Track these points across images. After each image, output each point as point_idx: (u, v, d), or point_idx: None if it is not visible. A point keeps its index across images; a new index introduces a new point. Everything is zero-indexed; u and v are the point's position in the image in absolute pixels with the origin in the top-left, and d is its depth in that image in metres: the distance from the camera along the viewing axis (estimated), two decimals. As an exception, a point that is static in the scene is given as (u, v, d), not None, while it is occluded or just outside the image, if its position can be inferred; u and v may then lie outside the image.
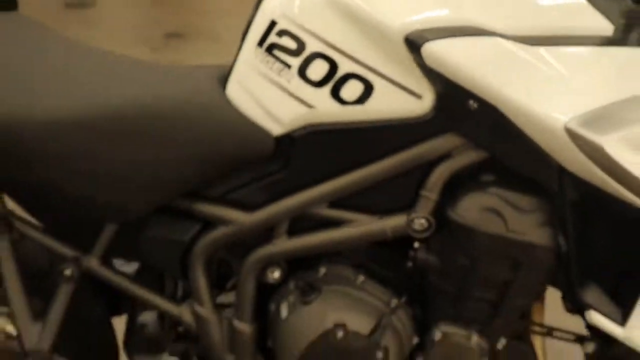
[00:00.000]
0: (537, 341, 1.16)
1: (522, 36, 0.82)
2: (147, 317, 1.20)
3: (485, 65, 0.81)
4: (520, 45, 0.81)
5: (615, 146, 0.79)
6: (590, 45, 0.81)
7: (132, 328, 1.20)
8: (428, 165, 0.94)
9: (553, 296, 1.11)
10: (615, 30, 0.82)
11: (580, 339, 1.10)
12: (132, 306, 1.22)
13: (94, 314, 1.26)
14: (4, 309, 1.08)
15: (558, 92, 0.80)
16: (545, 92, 0.80)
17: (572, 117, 0.79)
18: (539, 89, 0.80)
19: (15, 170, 0.97)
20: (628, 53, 0.81)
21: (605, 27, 0.82)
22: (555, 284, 1.03)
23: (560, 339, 1.10)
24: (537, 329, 1.10)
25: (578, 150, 0.81)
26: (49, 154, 0.96)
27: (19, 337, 1.06)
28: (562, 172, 0.86)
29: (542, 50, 0.81)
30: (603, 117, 0.79)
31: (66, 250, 1.08)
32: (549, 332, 1.09)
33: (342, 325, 1.02)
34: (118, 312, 1.30)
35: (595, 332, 1.08)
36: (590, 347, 1.10)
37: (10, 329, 1.09)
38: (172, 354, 1.15)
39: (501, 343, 1.09)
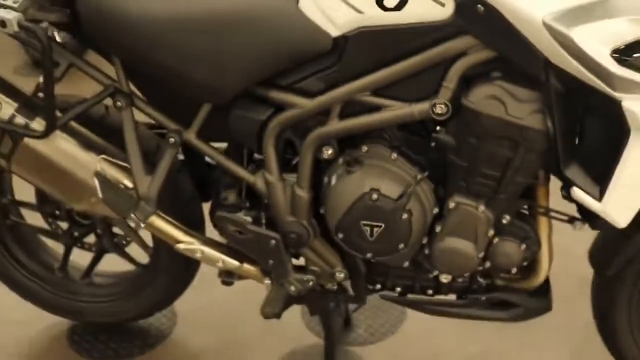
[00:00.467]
0: (542, 225, 1.40)
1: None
2: (229, 193, 1.53)
3: (488, -23, 1.08)
4: (514, -38, 1.08)
5: (583, 37, 1.04)
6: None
7: (216, 202, 1.53)
8: (449, 61, 1.21)
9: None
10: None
11: (572, 220, 1.34)
12: (216, 189, 1.55)
13: (188, 192, 1.60)
14: (126, 165, 1.43)
15: (540, -5, 1.06)
16: (532, -5, 1.06)
17: (548, 12, 1.04)
18: (528, -8, 1.06)
19: (138, 54, 1.32)
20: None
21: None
22: (549, 169, 1.28)
23: (556, 219, 1.35)
24: (538, 209, 1.35)
25: (555, 43, 1.06)
26: (165, 43, 1.29)
27: (135, 187, 1.41)
28: (547, 64, 1.12)
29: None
30: (574, 14, 1.04)
31: (170, 123, 1.41)
32: (547, 212, 1.35)
33: (377, 190, 1.31)
34: (205, 199, 1.63)
35: (584, 213, 1.33)
36: (579, 226, 1.35)
37: (127, 182, 1.44)
38: (246, 215, 1.47)
39: (505, 219, 1.35)
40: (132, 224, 1.42)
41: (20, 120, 1.38)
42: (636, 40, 1.05)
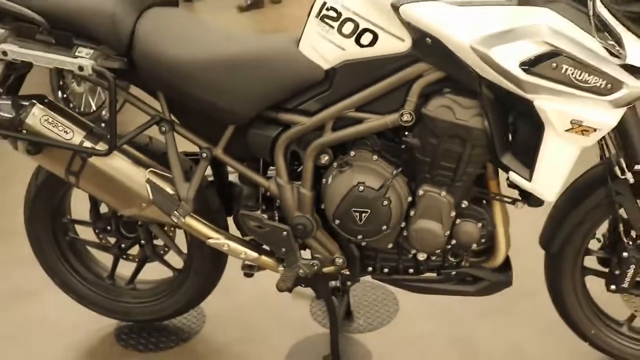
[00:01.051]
0: (496, 209, 1.78)
1: (453, 1, 1.51)
2: (249, 200, 1.92)
3: (433, 17, 1.51)
4: (451, 6, 1.50)
5: (499, 55, 1.46)
6: (490, 6, 1.50)
7: (239, 207, 1.92)
8: (410, 82, 1.63)
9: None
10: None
11: (514, 201, 1.73)
12: (238, 200, 1.95)
13: (215, 204, 1.99)
14: (170, 175, 1.83)
15: (469, 26, 1.48)
16: (462, 28, 1.48)
17: (473, 39, 1.47)
18: (459, 26, 1.48)
19: (179, 89, 1.74)
20: (511, 9, 1.49)
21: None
22: (492, 160, 1.67)
23: (503, 201, 1.74)
24: (489, 195, 1.74)
25: (481, 61, 1.48)
26: (200, 80, 1.72)
27: (176, 191, 1.81)
28: (479, 78, 1.53)
29: (464, 8, 1.50)
30: (492, 39, 1.46)
31: (202, 142, 1.83)
32: (495, 196, 1.73)
33: (363, 183, 1.70)
34: (229, 213, 2.03)
35: (523, 195, 1.72)
36: (520, 205, 1.73)
37: (170, 188, 1.84)
38: (263, 213, 1.86)
39: (464, 203, 1.74)
40: (175, 220, 1.82)
41: (87, 144, 1.79)
42: (536, 56, 1.46)
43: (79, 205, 2.18)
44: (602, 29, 1.47)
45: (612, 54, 1.47)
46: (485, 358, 2.12)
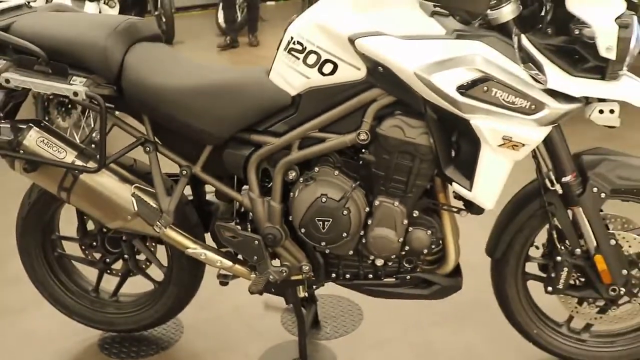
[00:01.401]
0: (445, 218, 2.00)
1: (400, 36, 1.76)
2: (224, 214, 2.13)
3: (383, 48, 1.76)
4: (399, 39, 1.76)
5: (439, 80, 1.71)
6: (432, 39, 1.75)
7: (215, 221, 2.12)
8: (366, 105, 1.86)
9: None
10: (445, 33, 1.76)
11: (459, 210, 1.96)
12: (214, 216, 2.15)
13: (193, 219, 2.19)
14: (153, 190, 2.04)
15: (413, 56, 1.73)
16: (408, 57, 1.73)
17: (417, 67, 1.72)
18: (405, 56, 1.73)
19: (163, 113, 1.96)
20: (449, 42, 1.74)
21: (441, 31, 1.76)
22: (438, 174, 1.90)
23: (449, 210, 1.97)
24: (437, 205, 1.97)
25: (424, 86, 1.73)
26: (181, 105, 1.94)
27: (159, 204, 2.01)
28: (424, 101, 1.78)
29: (409, 42, 1.75)
30: (432, 67, 1.71)
31: (182, 161, 2.04)
32: (442, 206, 1.96)
33: (325, 195, 1.92)
34: (207, 230, 2.23)
35: (467, 205, 1.95)
36: (464, 214, 1.96)
37: (153, 202, 2.04)
38: (237, 225, 2.07)
39: (415, 213, 1.96)
40: (157, 230, 2.02)
41: (79, 162, 1.99)
42: (470, 81, 1.71)
43: (66, 223, 2.37)
44: (526, 59, 1.73)
45: (535, 80, 1.73)
46: (438, 356, 2.31)
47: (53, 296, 2.39)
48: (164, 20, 6.87)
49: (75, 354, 2.39)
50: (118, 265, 2.37)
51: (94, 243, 2.31)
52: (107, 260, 2.33)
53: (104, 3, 4.21)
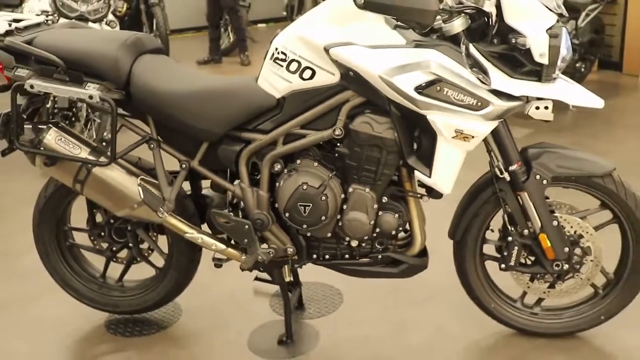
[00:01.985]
0: (411, 204, 2.30)
1: (368, 45, 2.08)
2: (219, 204, 2.43)
3: (353, 56, 2.07)
4: (367, 48, 2.07)
5: (399, 82, 2.02)
6: (394, 48, 2.07)
7: (210, 209, 2.41)
8: (340, 105, 2.17)
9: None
10: (405, 43, 2.08)
11: (421, 196, 2.27)
12: (210, 207, 2.45)
13: (191, 210, 2.49)
14: (156, 182, 2.33)
15: (378, 63, 2.04)
16: (374, 63, 2.05)
17: (381, 71, 2.03)
18: (371, 62, 2.05)
19: (166, 114, 2.26)
20: (408, 50, 2.06)
21: (402, 41, 2.08)
22: (403, 164, 2.21)
23: (413, 196, 2.27)
24: (404, 192, 2.27)
25: (387, 87, 2.04)
26: (179, 106, 2.24)
27: (161, 193, 2.31)
28: (388, 100, 2.09)
29: (375, 50, 2.07)
30: (394, 70, 2.02)
31: (182, 156, 2.34)
32: (407, 193, 2.27)
33: (306, 183, 2.22)
34: (203, 220, 2.52)
35: (428, 191, 2.25)
36: (426, 199, 2.27)
37: (156, 191, 2.33)
38: (230, 212, 2.36)
39: (384, 199, 2.26)
40: (160, 215, 2.31)
41: (92, 157, 2.29)
42: (426, 82, 2.03)
43: (76, 215, 2.67)
44: (474, 64, 2.05)
45: (481, 81, 2.05)
46: (415, 335, 2.59)
47: (64, 281, 2.67)
48: (159, 41, 7.20)
49: (84, 334, 2.67)
50: (123, 254, 2.65)
51: (102, 233, 2.60)
52: (114, 248, 2.62)
53: (106, 24, 4.53)
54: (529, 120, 2.19)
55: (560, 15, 2.07)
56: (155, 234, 2.59)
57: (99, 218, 2.60)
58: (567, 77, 2.20)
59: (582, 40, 5.45)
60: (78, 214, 2.67)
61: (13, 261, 3.20)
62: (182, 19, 8.99)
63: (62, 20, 2.83)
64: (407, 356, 2.47)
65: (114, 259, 2.66)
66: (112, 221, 2.57)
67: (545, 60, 2.01)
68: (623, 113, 5.37)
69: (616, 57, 6.51)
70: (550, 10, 2.06)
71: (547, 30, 2.01)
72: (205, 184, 2.51)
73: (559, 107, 5.30)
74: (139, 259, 2.63)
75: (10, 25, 2.30)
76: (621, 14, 6.37)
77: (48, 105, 2.42)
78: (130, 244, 2.60)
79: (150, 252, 2.63)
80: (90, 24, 4.32)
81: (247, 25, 8.05)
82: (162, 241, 2.59)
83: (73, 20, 3.34)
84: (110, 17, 4.64)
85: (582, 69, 5.74)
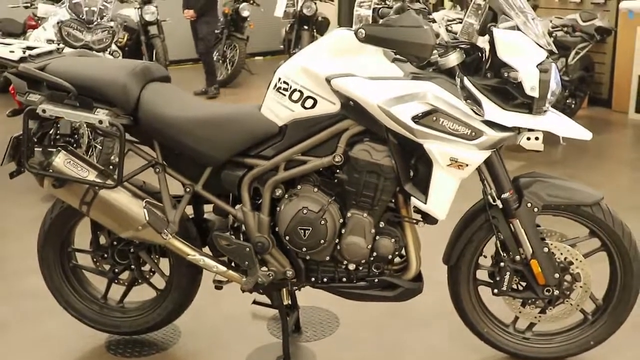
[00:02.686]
0: (407, 229, 2.39)
1: (367, 77, 2.19)
2: (221, 228, 2.50)
3: (353, 87, 2.17)
4: (366, 80, 2.18)
5: (397, 111, 2.12)
6: (392, 80, 2.17)
7: (212, 234, 2.49)
8: (340, 133, 2.27)
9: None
10: (403, 75, 2.19)
11: (417, 221, 2.35)
12: (211, 231, 2.52)
13: (193, 233, 2.56)
14: (160, 205, 2.41)
15: (377, 93, 2.15)
16: (373, 93, 2.15)
17: (380, 101, 2.13)
18: (371, 92, 2.15)
19: (173, 139, 2.35)
20: (406, 82, 2.17)
21: (400, 73, 2.19)
22: (400, 190, 2.30)
23: (408, 221, 2.35)
24: (400, 218, 2.35)
25: (386, 116, 2.14)
26: (185, 131, 2.33)
27: (166, 215, 2.38)
28: (386, 129, 2.19)
29: (374, 82, 2.17)
30: (392, 101, 2.12)
31: (186, 180, 2.42)
32: (403, 218, 2.35)
33: (306, 207, 2.30)
34: (204, 244, 2.59)
35: (424, 217, 2.34)
36: (421, 224, 2.35)
37: (161, 214, 2.41)
38: (231, 235, 2.43)
39: (382, 224, 2.35)
40: (165, 237, 2.38)
41: (99, 180, 2.37)
42: (423, 112, 2.13)
43: (79, 237, 2.74)
44: (468, 96, 2.16)
45: (475, 112, 2.15)
46: (406, 355, 2.65)
47: (67, 302, 2.72)
48: (166, 70, 7.33)
49: (85, 354, 2.71)
50: (125, 275, 2.72)
51: (105, 255, 2.66)
52: (116, 270, 2.68)
53: (109, 54, 4.65)
54: (521, 153, 2.28)
55: (550, 52, 2.18)
56: (157, 256, 2.66)
57: (102, 240, 2.67)
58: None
59: (572, 77, 5.61)
60: (81, 237, 2.74)
61: (16, 282, 3.26)
62: (181, 51, 9.15)
63: (71, 50, 2.95)
64: (401, 379, 2.53)
65: (116, 281, 2.72)
66: (115, 243, 2.64)
67: (535, 94, 2.12)
68: (612, 148, 5.50)
69: (605, 94, 6.68)
70: (541, 46, 2.18)
71: (537, 66, 2.12)
72: (207, 208, 2.59)
73: (550, 141, 5.48)
74: (140, 280, 2.70)
75: (24, 52, 2.40)
76: (610, 52, 6.56)
77: (51, 132, 2.52)
78: (132, 266, 2.66)
79: (151, 274, 2.70)
80: (94, 53, 4.43)
81: (245, 57, 8.22)
82: (164, 264, 2.65)
83: (84, 49, 3.44)
84: (114, 47, 4.76)
85: (572, 105, 5.90)
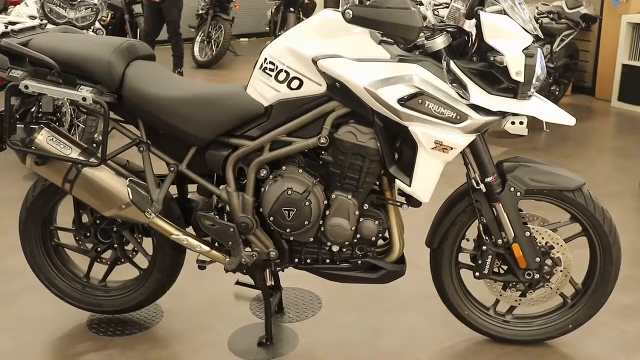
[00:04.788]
0: (391, 212, 2.40)
1: (354, 58, 2.18)
2: (205, 208, 2.50)
3: (340, 68, 2.17)
4: (353, 61, 2.17)
5: (383, 94, 2.13)
6: (379, 61, 2.17)
7: (196, 213, 2.48)
8: (326, 115, 2.27)
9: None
10: (390, 57, 2.19)
11: (401, 204, 2.36)
12: (195, 211, 2.51)
13: (177, 213, 2.55)
14: (144, 184, 2.40)
15: (364, 75, 2.14)
16: (360, 75, 2.14)
17: (366, 83, 2.13)
18: (357, 74, 2.14)
19: (156, 118, 2.34)
20: (393, 64, 2.17)
21: (387, 56, 2.19)
22: (385, 173, 2.30)
23: (393, 204, 2.36)
24: (384, 200, 2.36)
25: (372, 98, 2.14)
26: (169, 110, 2.32)
27: (149, 194, 2.37)
28: (373, 111, 2.19)
29: (361, 63, 2.17)
30: (378, 83, 2.12)
31: (170, 160, 2.41)
32: (387, 200, 2.36)
33: (291, 188, 2.30)
34: (188, 223, 2.59)
35: (408, 199, 2.35)
36: (405, 207, 2.36)
37: (144, 192, 2.39)
38: (215, 215, 2.43)
39: (365, 206, 2.35)
40: (148, 216, 2.37)
41: (83, 158, 2.35)
42: (408, 94, 2.13)
43: (62, 216, 2.72)
44: (454, 80, 2.16)
45: (461, 96, 2.16)
46: (390, 340, 2.67)
47: (49, 280, 2.71)
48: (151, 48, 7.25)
49: (67, 333, 2.70)
50: (107, 254, 2.71)
51: (88, 234, 2.65)
52: (99, 249, 2.67)
53: (93, 31, 4.59)
54: (505, 138, 2.29)
55: (536, 37, 2.19)
56: (140, 235, 2.65)
57: (85, 219, 2.66)
58: (542, 99, 2.32)
59: (556, 64, 5.64)
60: (64, 215, 2.72)
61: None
62: (164, 30, 9.06)
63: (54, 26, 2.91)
64: (382, 359, 2.55)
65: (98, 260, 2.71)
66: (98, 222, 2.62)
67: (521, 78, 2.13)
68: (595, 136, 5.55)
69: (589, 82, 6.73)
70: (527, 31, 2.18)
71: (523, 50, 2.13)
72: (191, 188, 2.58)
73: (534, 127, 5.50)
74: (123, 260, 2.69)
75: (6, 27, 2.37)
76: (595, 40, 6.60)
77: (33, 109, 2.49)
78: (115, 245, 2.65)
79: (134, 253, 2.69)
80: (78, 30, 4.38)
81: (230, 38, 8.16)
82: (147, 243, 2.65)
83: (69, 25, 3.40)
84: (97, 25, 4.70)
85: (557, 92, 5.93)
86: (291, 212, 2.32)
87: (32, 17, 4.45)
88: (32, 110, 2.49)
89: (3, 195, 3.99)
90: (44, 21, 2.63)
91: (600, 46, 6.56)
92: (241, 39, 9.91)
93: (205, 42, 8.16)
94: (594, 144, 5.34)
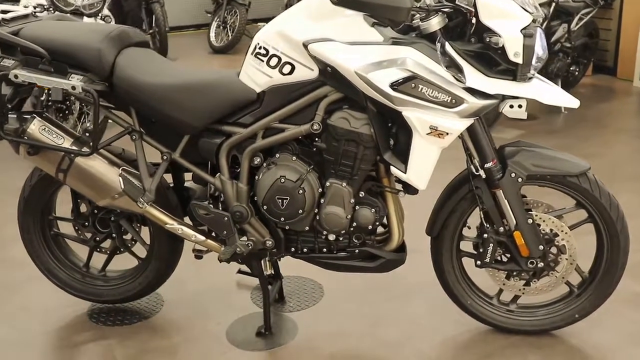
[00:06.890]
0: (388, 199, 2.33)
1: (346, 42, 2.11)
2: (200, 197, 2.46)
3: (331, 52, 2.10)
4: (344, 45, 2.11)
5: (375, 78, 2.05)
6: (371, 44, 2.10)
7: (191, 202, 2.45)
8: (318, 100, 2.21)
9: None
10: (383, 40, 2.11)
11: (398, 191, 2.30)
12: (191, 199, 2.48)
13: (173, 202, 2.52)
14: (137, 173, 2.37)
15: (355, 58, 2.08)
16: (351, 59, 2.08)
17: (357, 67, 2.06)
18: (348, 58, 2.08)
19: (149, 106, 2.30)
20: (385, 47, 2.09)
21: (380, 38, 2.12)
22: (380, 160, 2.24)
23: (389, 191, 2.30)
24: (381, 187, 2.30)
25: (363, 83, 2.07)
26: (161, 98, 2.28)
27: (142, 184, 2.34)
28: (365, 96, 2.13)
29: (352, 47, 2.10)
30: (369, 67, 2.05)
31: (164, 148, 2.37)
32: (384, 188, 2.30)
33: (284, 176, 2.25)
34: (185, 213, 2.55)
35: (405, 186, 2.28)
36: (402, 194, 2.30)
37: (137, 181, 2.36)
38: (210, 204, 2.39)
39: (361, 193, 2.30)
40: (140, 206, 2.34)
41: (75, 147, 2.32)
42: (401, 78, 2.06)
43: (61, 205, 2.70)
44: (449, 62, 2.08)
45: (457, 79, 2.08)
46: (391, 330, 2.62)
47: (49, 270, 2.71)
48: (158, 38, 7.25)
49: (67, 322, 2.70)
50: (106, 244, 2.69)
51: (86, 223, 2.63)
52: (97, 238, 2.66)
53: (101, 19, 4.57)
54: (521, 121, 2.21)
55: (538, 17, 2.09)
56: (138, 225, 2.62)
57: (83, 208, 2.64)
58: (560, 80, 2.23)
59: (574, 43, 5.47)
60: (64, 204, 2.70)
61: None
62: (182, 17, 9.03)
63: (48, 14, 2.89)
64: (383, 350, 2.50)
65: (98, 249, 2.70)
66: (96, 211, 2.61)
67: (519, 60, 2.04)
68: (615, 117, 5.39)
69: (611, 62, 6.54)
70: (528, 11, 2.09)
71: (521, 30, 2.04)
72: (188, 176, 2.54)
73: (551, 109, 5.37)
74: (122, 249, 2.67)
75: (-3, 16, 2.34)
76: (616, 18, 6.40)
77: (42, 98, 2.47)
78: (114, 235, 2.63)
79: (133, 242, 2.67)
80: (85, 18, 4.37)
81: (246, 23, 8.10)
82: (145, 232, 2.62)
83: (66, 13, 3.38)
84: (106, 11, 4.68)
85: (576, 72, 5.77)
86: (285, 201, 2.27)
87: (40, 5, 4.43)
88: (42, 99, 2.48)
89: (8, 184, 3.99)
90: (37, 9, 2.60)
91: (622, 25, 6.36)
92: (259, 24, 9.83)
93: (221, 27, 8.11)
94: (614, 125, 5.19)
